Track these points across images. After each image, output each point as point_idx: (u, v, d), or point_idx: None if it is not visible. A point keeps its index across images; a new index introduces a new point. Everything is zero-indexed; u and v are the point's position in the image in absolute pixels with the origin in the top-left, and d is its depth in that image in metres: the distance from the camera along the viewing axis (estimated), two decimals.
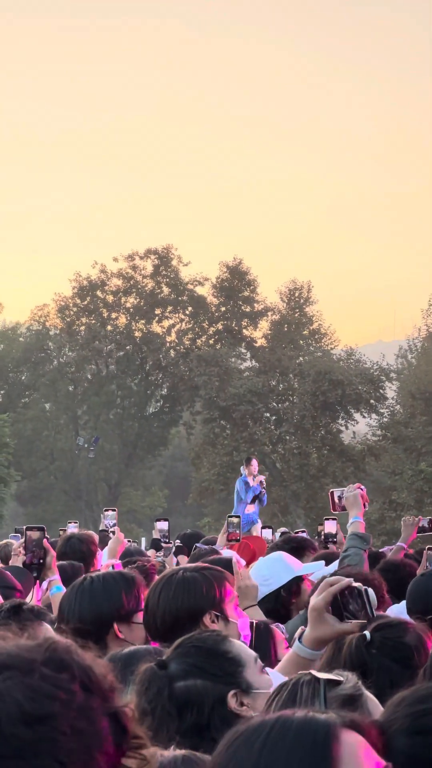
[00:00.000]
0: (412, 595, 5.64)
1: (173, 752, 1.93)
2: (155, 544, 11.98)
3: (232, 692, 3.11)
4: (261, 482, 19.85)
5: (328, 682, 2.58)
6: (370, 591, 3.65)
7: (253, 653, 3.31)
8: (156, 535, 12.04)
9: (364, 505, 7.85)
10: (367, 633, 4.06)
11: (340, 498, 7.88)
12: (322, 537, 10.37)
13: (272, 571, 6.65)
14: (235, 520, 10.23)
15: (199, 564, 4.59)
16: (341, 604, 3.69)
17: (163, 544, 11.84)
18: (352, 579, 3.72)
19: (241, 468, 21.20)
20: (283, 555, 7.05)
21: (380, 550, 11.73)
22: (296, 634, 3.86)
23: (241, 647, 3.28)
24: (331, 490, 8.01)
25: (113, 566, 6.85)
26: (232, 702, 3.09)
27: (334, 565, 6.56)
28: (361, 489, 7.86)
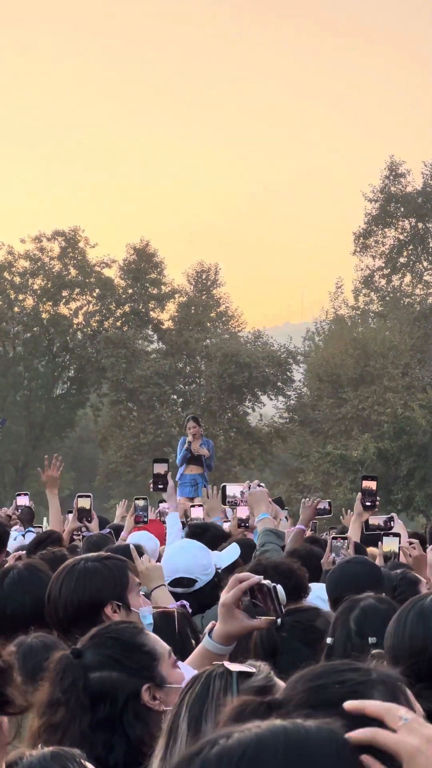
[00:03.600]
0: (331, 583, 5.69)
1: (41, 750, 1.94)
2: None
3: (145, 686, 3.10)
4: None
5: (240, 673, 2.60)
6: (279, 588, 3.67)
7: (167, 647, 3.31)
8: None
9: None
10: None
11: (241, 493, 7.82)
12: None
13: (207, 559, 6.58)
14: (141, 502, 10.14)
15: (100, 553, 4.56)
16: (251, 601, 3.71)
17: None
18: (261, 576, 3.73)
19: None
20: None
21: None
22: (206, 629, 3.88)
23: (156, 640, 3.28)
24: (223, 484, 7.98)
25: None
26: (145, 696, 3.09)
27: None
28: (261, 486, 7.85)
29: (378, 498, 9.06)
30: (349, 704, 1.82)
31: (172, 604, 5.42)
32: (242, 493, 7.73)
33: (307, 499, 10.13)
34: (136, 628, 3.30)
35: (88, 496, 8.09)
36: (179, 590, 6.24)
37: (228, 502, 8.14)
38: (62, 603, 4.24)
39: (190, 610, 5.47)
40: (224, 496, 7.71)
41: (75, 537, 9.95)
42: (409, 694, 2.09)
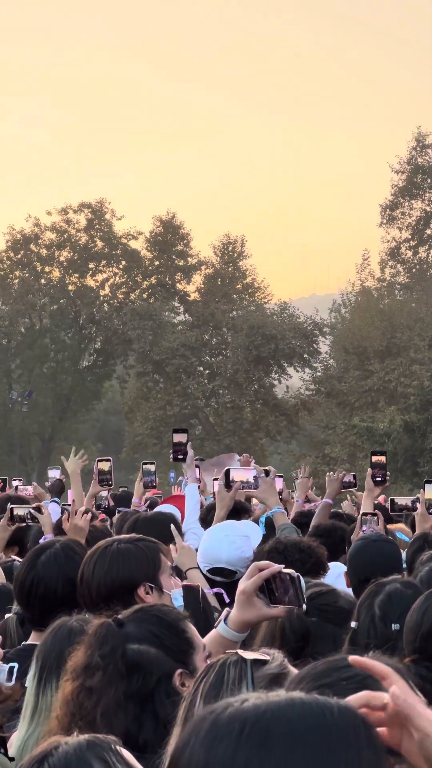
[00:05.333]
0: (353, 562, 5.69)
1: (77, 738, 1.95)
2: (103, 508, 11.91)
3: (179, 671, 3.12)
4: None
5: (254, 661, 2.62)
6: (302, 579, 3.67)
7: (203, 641, 3.34)
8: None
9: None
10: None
11: (255, 479, 7.75)
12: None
13: (250, 552, 6.54)
14: (151, 467, 10.17)
15: (132, 535, 4.58)
16: (268, 589, 3.72)
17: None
18: (283, 566, 3.73)
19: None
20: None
21: (306, 508, 11.81)
22: (222, 615, 3.88)
23: (195, 632, 3.30)
24: (227, 468, 7.91)
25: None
26: (177, 680, 3.11)
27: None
28: (273, 474, 7.77)
29: (388, 473, 9.07)
30: (353, 659, 1.85)
31: (207, 590, 5.43)
32: (255, 478, 7.65)
33: (333, 472, 10.13)
34: (180, 614, 3.33)
35: (108, 460, 8.13)
36: (218, 578, 6.25)
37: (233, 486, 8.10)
38: (95, 584, 4.26)
39: (227, 599, 5.49)
40: (227, 480, 7.66)
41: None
42: (412, 686, 2.12)
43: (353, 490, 13.03)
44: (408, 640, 3.55)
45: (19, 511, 8.75)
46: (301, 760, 1.56)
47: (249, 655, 2.63)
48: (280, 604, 3.68)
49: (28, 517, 8.77)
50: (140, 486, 10.11)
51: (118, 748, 1.94)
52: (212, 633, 3.83)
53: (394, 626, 4.13)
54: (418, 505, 8.55)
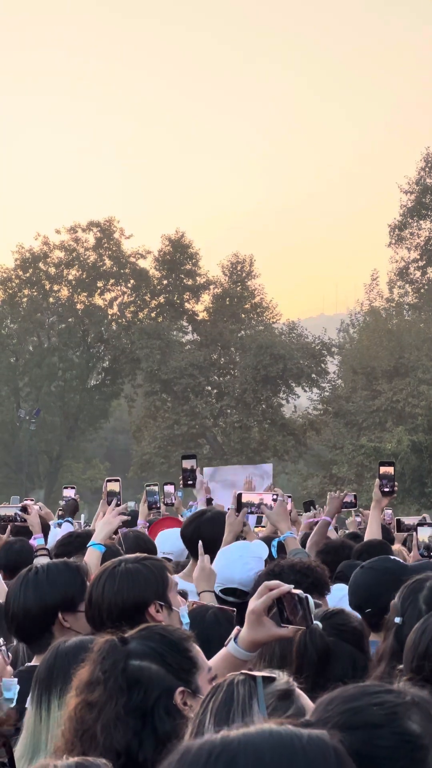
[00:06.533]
0: (352, 588, 5.67)
1: (66, 761, 1.95)
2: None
3: (180, 689, 3.13)
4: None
5: (263, 678, 2.62)
6: (310, 598, 3.68)
7: (208, 663, 3.34)
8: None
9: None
10: (317, 623, 4.12)
11: (259, 504, 7.75)
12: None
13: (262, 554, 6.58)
14: (154, 488, 10.22)
15: (138, 555, 4.60)
16: (279, 609, 3.72)
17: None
18: (292, 585, 3.74)
19: None
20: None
21: (308, 520, 11.82)
22: (232, 634, 3.89)
23: (200, 653, 3.30)
24: (238, 491, 7.92)
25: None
26: (178, 698, 3.11)
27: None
28: (282, 497, 7.78)
29: (395, 483, 9.05)
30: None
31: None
32: (274, 499, 7.67)
33: (335, 491, 10.14)
34: (185, 634, 3.34)
35: (117, 480, 8.18)
36: (230, 599, 6.26)
37: (247, 509, 8.10)
38: (106, 605, 4.27)
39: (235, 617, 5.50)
40: (239, 504, 7.66)
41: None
42: None
43: (362, 510, 13.03)
44: (406, 659, 3.56)
45: (7, 512, 8.82)
46: None
47: (256, 673, 2.64)
48: (290, 624, 3.69)
49: (18, 519, 8.82)
50: (144, 508, 10.16)
51: None
52: (222, 652, 3.86)
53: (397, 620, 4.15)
54: (413, 549, 8.53)
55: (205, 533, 6.47)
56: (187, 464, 9.94)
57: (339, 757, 1.66)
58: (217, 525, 6.59)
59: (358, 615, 4.65)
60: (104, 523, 6.63)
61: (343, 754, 1.68)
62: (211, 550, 5.95)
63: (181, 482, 10.14)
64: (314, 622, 3.75)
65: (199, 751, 1.64)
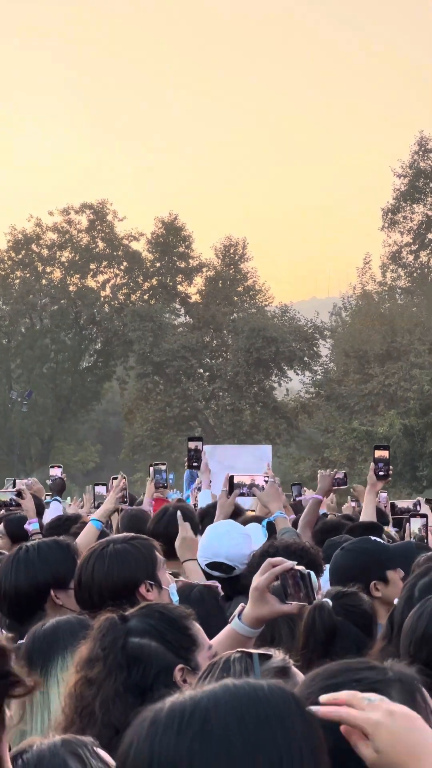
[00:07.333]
0: (332, 569, 5.65)
1: (53, 739, 1.97)
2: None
3: (179, 666, 3.14)
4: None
5: (259, 656, 2.64)
6: (313, 574, 3.70)
7: (208, 641, 3.35)
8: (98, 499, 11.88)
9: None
10: (328, 601, 4.13)
11: (250, 485, 7.77)
12: None
13: (249, 549, 6.59)
14: (161, 467, 10.23)
15: (125, 535, 4.60)
16: (283, 586, 3.75)
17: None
18: (295, 562, 3.75)
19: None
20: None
21: (297, 498, 11.81)
22: (236, 611, 3.90)
23: (200, 630, 3.32)
24: (231, 474, 7.94)
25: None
26: (177, 675, 3.12)
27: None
28: (272, 479, 7.79)
29: (391, 467, 9.06)
30: (323, 698, 1.90)
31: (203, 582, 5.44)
32: (266, 480, 7.69)
33: (325, 470, 10.15)
34: (185, 611, 3.35)
35: (124, 478, 8.21)
36: (216, 574, 6.27)
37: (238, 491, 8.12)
38: (97, 587, 4.27)
39: (222, 593, 5.50)
40: (231, 486, 7.69)
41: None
42: (425, 693, 2.14)
43: (355, 486, 13.03)
44: (403, 644, 3.57)
45: (2, 497, 8.84)
46: (239, 738, 1.65)
47: (253, 651, 2.65)
48: (294, 601, 3.71)
49: (12, 503, 8.84)
50: (151, 486, 10.16)
51: (94, 747, 1.97)
52: (226, 629, 3.86)
53: None
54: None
55: (172, 531, 6.45)
56: (193, 445, 9.96)
57: (298, 702, 1.75)
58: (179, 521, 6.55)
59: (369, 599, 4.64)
60: (108, 501, 6.79)
61: (300, 700, 1.77)
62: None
63: (186, 464, 10.17)
64: (324, 599, 3.78)
65: (169, 717, 1.69)
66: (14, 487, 10.28)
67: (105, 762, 1.95)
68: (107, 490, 10.89)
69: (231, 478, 7.74)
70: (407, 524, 8.70)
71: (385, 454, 8.94)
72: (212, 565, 6.34)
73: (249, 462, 10.50)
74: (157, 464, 10.45)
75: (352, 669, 2.16)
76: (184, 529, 6.01)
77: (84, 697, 3.05)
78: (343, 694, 1.91)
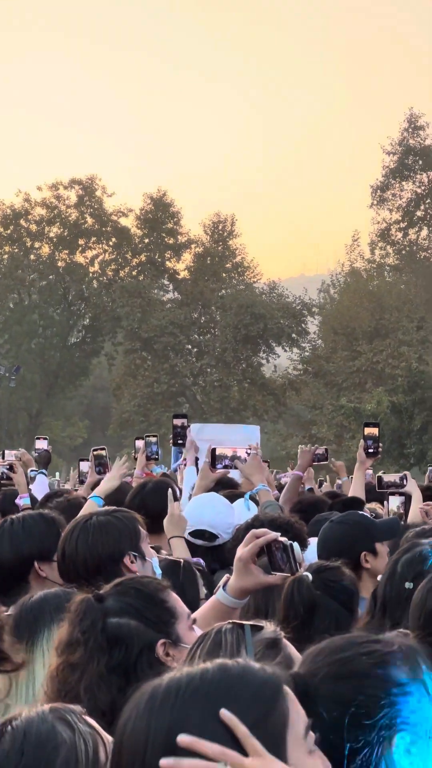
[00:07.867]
0: (321, 541, 5.66)
1: (41, 707, 2.00)
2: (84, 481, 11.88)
3: (161, 641, 3.15)
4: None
5: (250, 627, 2.65)
6: (296, 545, 3.71)
7: (187, 610, 3.36)
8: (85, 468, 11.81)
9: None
10: (308, 574, 4.15)
11: (232, 458, 7.79)
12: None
13: (232, 518, 6.61)
14: (152, 440, 10.23)
15: (108, 508, 4.63)
16: (268, 557, 3.76)
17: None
18: (279, 533, 3.77)
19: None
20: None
21: (278, 476, 11.79)
22: (221, 582, 3.91)
23: (177, 600, 3.32)
24: (213, 447, 7.95)
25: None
26: (160, 650, 3.13)
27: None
28: (255, 451, 7.80)
29: (380, 444, 9.08)
30: (182, 738, 1.72)
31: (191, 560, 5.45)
32: (248, 453, 7.70)
33: (305, 445, 10.16)
34: (160, 584, 3.34)
35: (103, 448, 8.21)
36: (199, 542, 6.29)
37: (221, 465, 8.11)
38: (81, 559, 4.29)
39: (205, 569, 5.53)
40: (213, 459, 7.70)
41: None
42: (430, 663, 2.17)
43: (333, 460, 13.05)
44: (413, 616, 3.59)
45: None
46: (233, 707, 1.73)
47: (245, 622, 2.67)
48: (278, 572, 3.73)
49: (3, 477, 8.84)
50: (143, 458, 10.17)
51: (82, 715, 2.00)
52: (211, 600, 3.92)
53: (408, 584, 4.16)
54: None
55: (150, 505, 6.47)
56: (178, 422, 9.97)
57: (282, 684, 1.84)
58: (160, 495, 6.56)
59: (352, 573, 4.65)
60: (109, 479, 6.84)
61: (286, 683, 1.85)
62: (157, 521, 5.94)
63: (171, 440, 10.17)
64: (304, 573, 3.79)
65: (167, 692, 1.76)
66: (3, 458, 10.28)
67: (93, 728, 1.97)
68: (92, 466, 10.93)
69: (213, 450, 7.77)
70: (386, 502, 8.74)
71: (374, 431, 8.95)
72: (195, 534, 6.36)
73: (237, 442, 10.48)
74: (148, 436, 10.44)
75: (358, 643, 2.18)
76: (173, 506, 6.03)
77: (68, 681, 3.05)
78: (212, 749, 1.74)
